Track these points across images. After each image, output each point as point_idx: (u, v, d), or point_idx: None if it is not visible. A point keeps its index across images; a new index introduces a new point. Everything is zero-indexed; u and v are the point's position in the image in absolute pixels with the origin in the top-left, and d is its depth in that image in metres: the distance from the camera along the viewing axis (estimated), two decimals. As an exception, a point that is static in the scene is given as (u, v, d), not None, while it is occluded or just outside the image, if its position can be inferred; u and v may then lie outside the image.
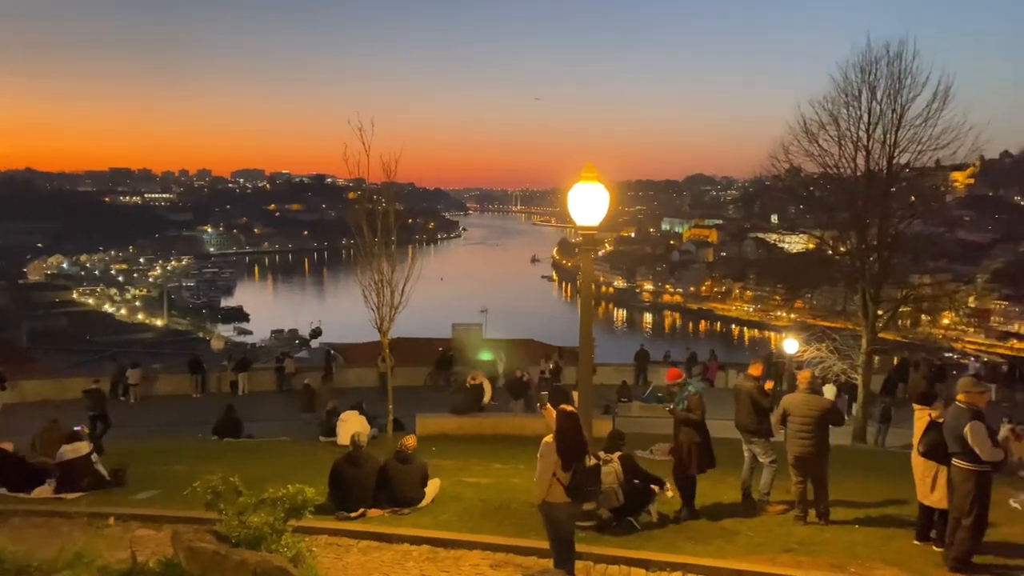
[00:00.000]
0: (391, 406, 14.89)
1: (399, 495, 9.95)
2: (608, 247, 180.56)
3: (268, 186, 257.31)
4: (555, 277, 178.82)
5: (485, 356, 27.73)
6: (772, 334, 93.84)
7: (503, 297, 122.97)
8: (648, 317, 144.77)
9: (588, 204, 8.56)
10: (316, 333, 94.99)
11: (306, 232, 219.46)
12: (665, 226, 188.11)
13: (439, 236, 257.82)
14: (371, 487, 9.94)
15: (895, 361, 30.46)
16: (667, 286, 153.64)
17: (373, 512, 9.78)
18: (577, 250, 9.55)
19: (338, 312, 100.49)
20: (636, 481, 9.14)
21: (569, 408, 7.27)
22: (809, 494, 9.22)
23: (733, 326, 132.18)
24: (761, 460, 9.91)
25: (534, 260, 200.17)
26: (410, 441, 10.42)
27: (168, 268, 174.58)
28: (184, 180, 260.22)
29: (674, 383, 9.97)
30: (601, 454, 9.18)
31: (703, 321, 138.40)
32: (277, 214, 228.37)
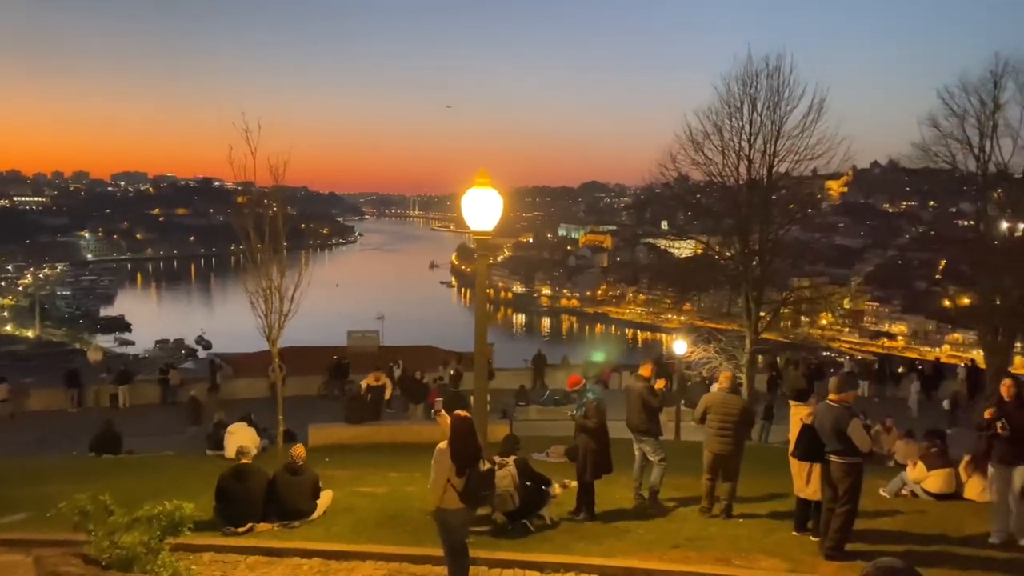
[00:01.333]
0: (281, 416, 14.45)
1: (289, 508, 9.66)
2: (507, 252, 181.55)
3: (152, 189, 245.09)
4: (454, 283, 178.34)
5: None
6: (664, 336, 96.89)
7: (401, 303, 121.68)
8: (546, 321, 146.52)
9: (482, 209, 8.57)
10: (207, 345, 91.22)
11: (192, 238, 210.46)
12: (562, 232, 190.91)
13: (334, 241, 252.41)
14: (259, 500, 9.60)
15: (781, 362, 31.97)
16: (564, 290, 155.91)
17: (262, 526, 9.46)
18: (476, 255, 9.59)
19: (227, 320, 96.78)
20: (530, 484, 9.21)
21: (463, 413, 7.26)
22: (717, 490, 9.59)
23: (627, 329, 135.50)
24: (651, 458, 10.16)
25: (433, 266, 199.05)
26: (299, 451, 10.14)
27: (40, 276, 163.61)
28: (58, 183, 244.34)
29: (574, 389, 10.12)
30: (496, 458, 9.21)
31: (599, 324, 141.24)
32: (161, 219, 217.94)
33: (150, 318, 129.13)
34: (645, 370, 10.59)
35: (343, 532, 9.13)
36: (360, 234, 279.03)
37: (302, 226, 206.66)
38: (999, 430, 8.09)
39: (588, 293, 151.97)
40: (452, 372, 24.59)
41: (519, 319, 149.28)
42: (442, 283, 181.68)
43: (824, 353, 74.96)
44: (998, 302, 22.84)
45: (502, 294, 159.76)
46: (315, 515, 9.76)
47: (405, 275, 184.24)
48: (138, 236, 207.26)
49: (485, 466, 7.19)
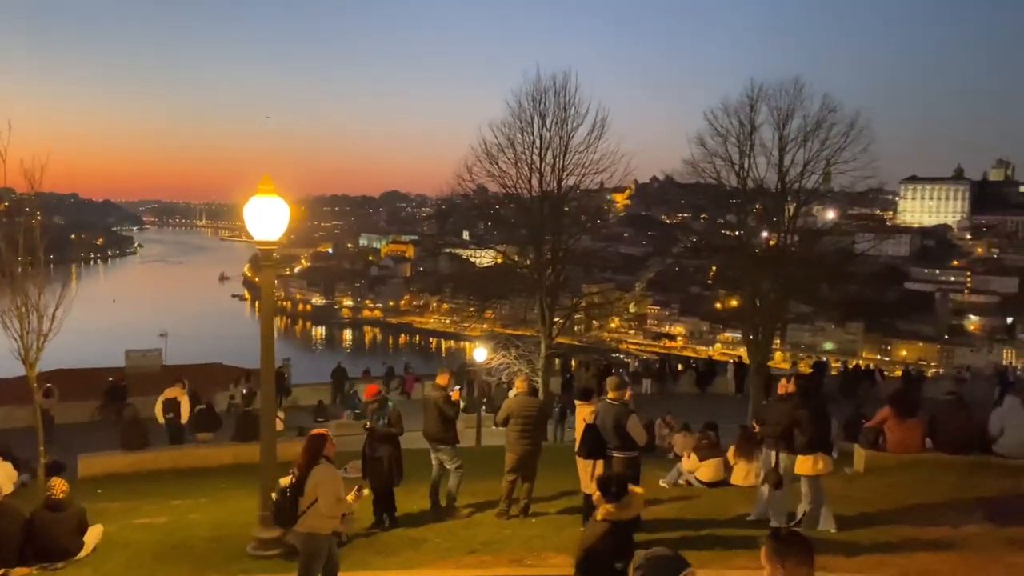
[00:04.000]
0: (42, 447, 12.99)
1: (51, 547, 8.69)
2: (305, 263, 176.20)
3: None
4: (247, 295, 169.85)
5: None
6: (466, 344, 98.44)
7: (188, 319, 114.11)
8: (348, 334, 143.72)
9: (266, 218, 8.26)
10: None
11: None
12: (363, 241, 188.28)
13: (109, 253, 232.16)
14: (13, 542, 8.55)
15: (574, 364, 33.47)
16: (367, 301, 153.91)
17: (18, 571, 8.45)
18: (261, 266, 9.20)
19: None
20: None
21: (320, 431, 7.25)
22: (516, 492, 9.88)
23: (431, 338, 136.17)
24: (448, 467, 10.26)
25: (223, 278, 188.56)
26: (58, 485, 9.14)
27: None
28: None
29: (373, 400, 10.12)
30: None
31: (403, 335, 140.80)
32: None
33: None
34: (442, 379, 10.71)
35: (115, 570, 8.38)
36: (140, 245, 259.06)
37: (72, 237, 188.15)
38: (753, 426, 9.03)
39: (391, 303, 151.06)
40: (244, 391, 23.40)
41: (319, 332, 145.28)
42: (234, 296, 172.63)
43: (613, 354, 79.86)
44: (758, 304, 25.43)
45: (300, 306, 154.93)
46: (82, 553, 8.87)
47: (192, 289, 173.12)
48: None
49: (284, 482, 6.98)
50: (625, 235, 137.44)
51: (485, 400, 23.93)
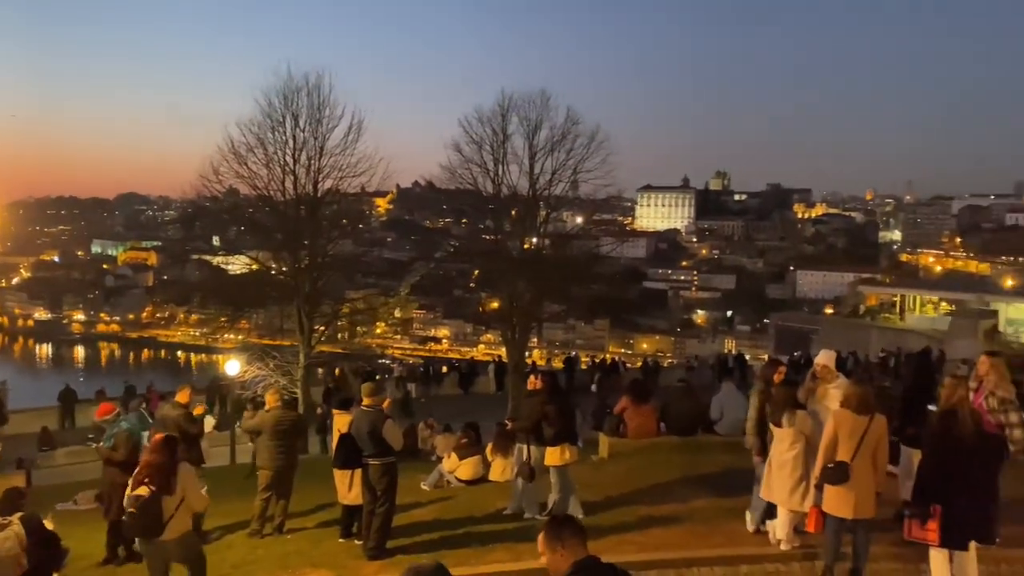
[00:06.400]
0: None
1: None
2: (25, 273, 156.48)
3: None
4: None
5: None
6: (219, 357, 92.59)
7: None
8: (80, 351, 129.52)
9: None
10: None
11: None
12: (96, 249, 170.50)
13: None
14: None
15: (338, 372, 32.70)
16: (102, 315, 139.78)
17: None
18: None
19: None
20: (41, 542, 7.91)
21: (161, 436, 6.86)
22: (271, 509, 9.43)
23: (179, 352, 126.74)
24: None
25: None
26: None
27: None
28: None
29: (104, 419, 9.19)
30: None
31: (145, 350, 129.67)
32: None
33: None
34: (182, 396, 9.95)
35: None
36: None
37: None
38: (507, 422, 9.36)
39: (131, 316, 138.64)
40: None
41: (44, 350, 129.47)
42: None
43: (379, 360, 79.45)
44: (515, 304, 26.51)
45: (20, 322, 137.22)
46: None
47: None
48: None
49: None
50: (388, 240, 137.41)
51: (239, 416, 22.62)
